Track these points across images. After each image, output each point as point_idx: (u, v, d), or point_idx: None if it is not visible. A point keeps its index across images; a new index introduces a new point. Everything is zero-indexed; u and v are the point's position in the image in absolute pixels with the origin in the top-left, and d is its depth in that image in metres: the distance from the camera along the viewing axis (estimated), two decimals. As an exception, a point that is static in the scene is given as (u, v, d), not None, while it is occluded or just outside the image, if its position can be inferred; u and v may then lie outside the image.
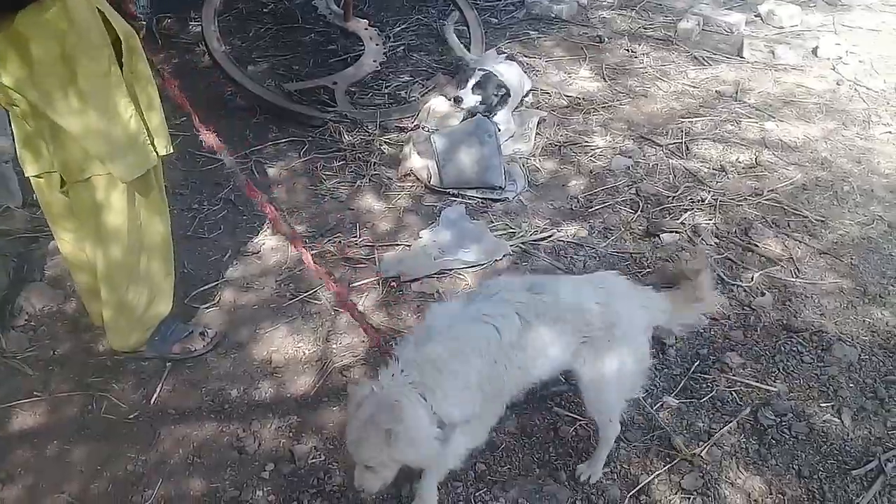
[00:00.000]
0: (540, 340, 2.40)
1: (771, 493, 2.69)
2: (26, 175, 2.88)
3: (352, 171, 4.69)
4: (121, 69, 2.67)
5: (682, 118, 5.13)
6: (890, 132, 4.95)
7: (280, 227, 3.55)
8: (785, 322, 3.41)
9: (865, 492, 2.67)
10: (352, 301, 3.41)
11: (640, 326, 2.55)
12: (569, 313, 2.42)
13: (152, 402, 3.09)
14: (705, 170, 4.59)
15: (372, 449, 2.20)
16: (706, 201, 4.26)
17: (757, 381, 3.11)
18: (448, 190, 4.42)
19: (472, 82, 4.92)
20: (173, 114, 4.78)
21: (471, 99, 4.88)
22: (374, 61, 5.68)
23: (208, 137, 3.15)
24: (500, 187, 4.38)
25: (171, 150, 2.95)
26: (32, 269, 3.78)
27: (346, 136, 4.97)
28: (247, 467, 2.82)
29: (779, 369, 3.19)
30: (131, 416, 3.02)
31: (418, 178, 4.53)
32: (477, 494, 2.70)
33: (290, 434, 2.96)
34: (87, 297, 3.26)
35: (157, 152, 2.85)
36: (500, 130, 4.72)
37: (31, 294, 3.56)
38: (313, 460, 2.84)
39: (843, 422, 2.95)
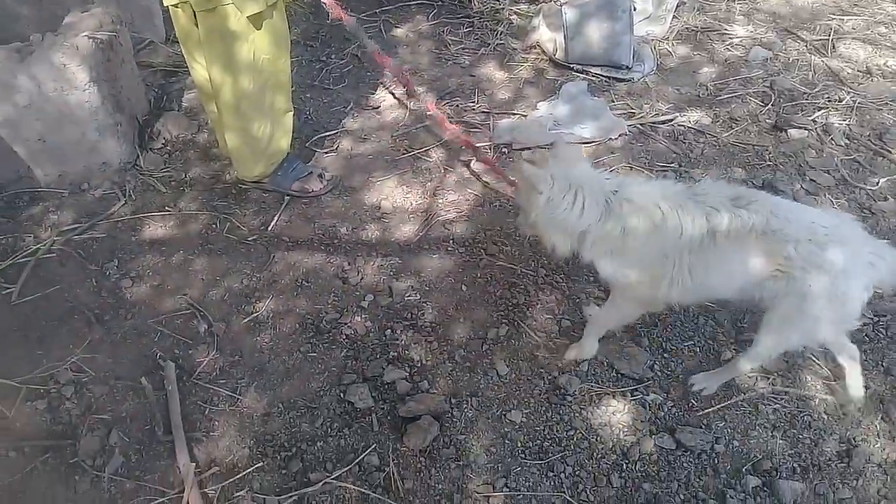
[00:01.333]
0: (722, 257, 2.22)
1: (855, 386, 2.67)
2: (165, 4, 3.05)
3: (477, 39, 4.69)
4: None
5: (833, 15, 4.81)
6: None
7: (413, 90, 3.60)
8: (904, 228, 3.28)
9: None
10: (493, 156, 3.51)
11: (857, 284, 2.21)
12: (770, 237, 2.16)
13: (269, 228, 3.32)
14: (849, 70, 4.32)
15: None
16: (844, 102, 4.04)
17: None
18: (572, 65, 4.36)
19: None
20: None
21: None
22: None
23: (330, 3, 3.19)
24: (627, 67, 4.28)
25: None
26: (171, 99, 4.04)
27: (476, 3, 4.94)
28: (349, 295, 3.03)
29: (889, 274, 3.08)
30: (250, 239, 3.27)
31: (544, 51, 4.49)
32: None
33: (391, 272, 3.14)
34: (218, 127, 3.48)
35: None
36: (635, 9, 4.56)
37: (168, 121, 3.83)
38: (409, 297, 3.02)
39: (953, 336, 2.86)
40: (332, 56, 4.54)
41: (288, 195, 3.48)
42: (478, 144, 3.60)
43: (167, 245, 3.24)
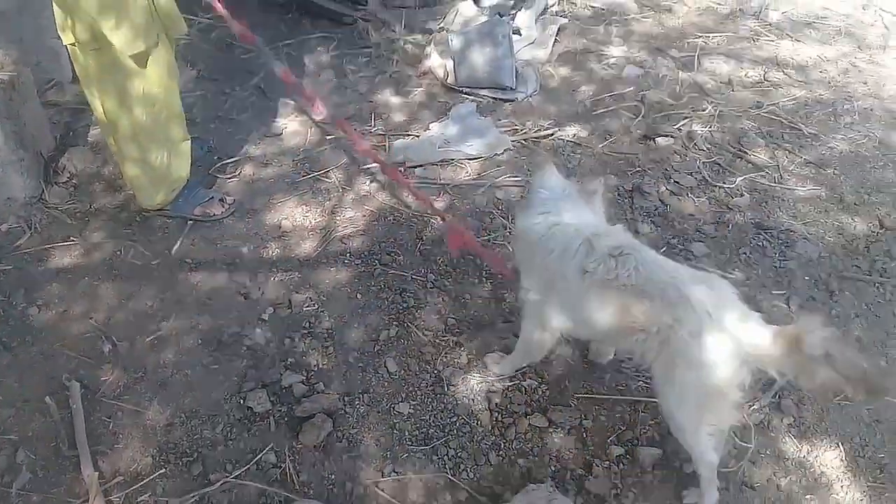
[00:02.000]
0: (589, 299, 2.30)
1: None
2: (64, 43, 3.22)
3: (375, 68, 4.96)
4: None
5: (700, 33, 5.25)
6: (903, 56, 5.01)
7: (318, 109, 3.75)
8: (757, 221, 3.64)
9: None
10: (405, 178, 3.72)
11: (719, 350, 2.10)
12: (629, 290, 2.20)
13: (173, 252, 3.49)
14: (712, 83, 4.74)
15: None
16: (707, 111, 4.44)
17: (717, 269, 3.36)
18: (461, 88, 4.66)
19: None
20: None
21: (490, -1, 4.94)
22: (408, -36, 5.85)
23: (237, 26, 3.43)
24: (511, 88, 4.60)
25: (185, 32, 3.29)
26: (77, 135, 4.18)
27: (373, 35, 5.22)
28: (250, 310, 3.22)
29: (740, 260, 3.43)
30: (154, 263, 3.43)
31: (436, 77, 4.78)
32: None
33: (291, 286, 3.34)
34: (118, 158, 3.64)
35: (165, 33, 3.20)
36: (520, 35, 4.91)
37: (73, 156, 3.97)
38: (307, 308, 3.22)
39: (790, 307, 3.21)
40: (237, 88, 4.73)
41: (190, 220, 3.65)
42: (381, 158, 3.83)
43: (73, 273, 3.37)
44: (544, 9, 5.39)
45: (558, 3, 5.54)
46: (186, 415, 2.79)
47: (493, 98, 4.61)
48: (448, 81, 4.70)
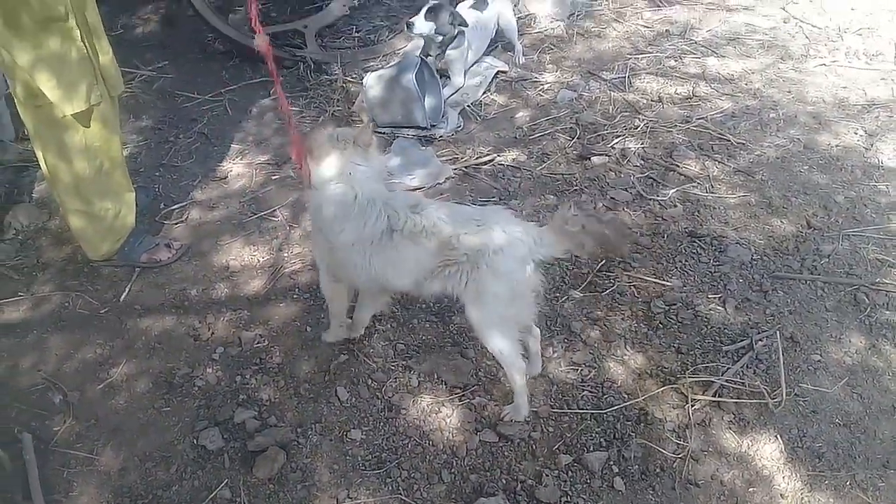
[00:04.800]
0: (399, 253, 2.64)
1: (650, 366, 3.09)
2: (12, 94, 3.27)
3: (317, 108, 5.06)
4: (76, 18, 3.05)
5: (630, 55, 5.45)
6: (824, 64, 5.26)
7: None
8: (690, 229, 3.78)
9: (733, 364, 3.06)
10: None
11: (516, 257, 2.56)
12: (437, 234, 2.57)
13: (121, 299, 3.51)
14: (643, 101, 4.93)
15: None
16: (639, 128, 4.60)
17: (655, 278, 3.49)
18: (381, 129, 4.74)
19: (424, 9, 4.92)
20: (157, 58, 5.28)
21: (423, 26, 4.86)
22: (344, 6, 5.96)
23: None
24: (426, 127, 4.70)
25: (122, 90, 3.35)
26: (22, 192, 4.20)
27: (312, 77, 5.33)
28: (200, 351, 3.25)
29: (677, 268, 3.56)
30: (102, 311, 3.44)
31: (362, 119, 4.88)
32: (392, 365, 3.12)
33: (240, 325, 3.38)
34: (63, 211, 3.67)
35: (103, 91, 3.25)
36: (447, 79, 5.01)
37: (18, 212, 3.98)
38: (257, 344, 3.26)
39: (726, 309, 3.34)
40: (180, 136, 4.79)
41: (138, 267, 3.68)
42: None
43: (21, 327, 3.37)
44: (489, 44, 5.48)
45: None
46: (140, 458, 2.80)
47: (415, 136, 4.69)
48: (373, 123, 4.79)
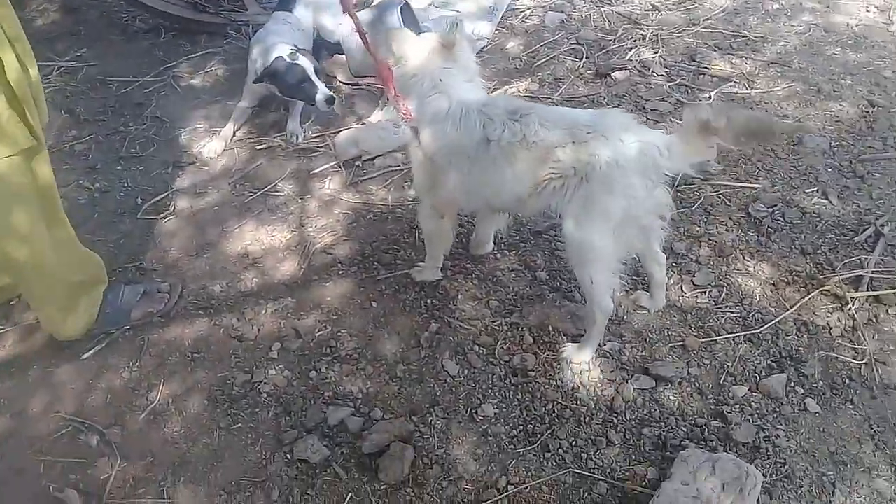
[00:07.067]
0: (495, 165, 2.27)
1: (782, 273, 2.73)
2: None
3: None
4: None
5: (608, -34, 5.06)
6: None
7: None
8: (752, 128, 3.44)
9: (870, 253, 2.75)
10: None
11: (632, 169, 2.14)
12: (538, 145, 2.20)
13: (131, 317, 2.85)
14: (638, 12, 4.57)
15: None
16: (647, 38, 4.24)
17: (740, 182, 3.14)
18: (357, 79, 4.16)
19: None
20: (72, 47, 4.52)
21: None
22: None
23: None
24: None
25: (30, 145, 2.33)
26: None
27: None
28: (251, 352, 2.67)
29: (758, 168, 3.23)
30: (110, 330, 2.78)
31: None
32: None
33: (289, 314, 2.81)
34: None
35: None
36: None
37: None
38: (319, 333, 2.71)
39: (830, 201, 3.03)
40: (130, 124, 4.07)
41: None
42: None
43: (15, 365, 2.68)
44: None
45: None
46: (227, 491, 2.23)
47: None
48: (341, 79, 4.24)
